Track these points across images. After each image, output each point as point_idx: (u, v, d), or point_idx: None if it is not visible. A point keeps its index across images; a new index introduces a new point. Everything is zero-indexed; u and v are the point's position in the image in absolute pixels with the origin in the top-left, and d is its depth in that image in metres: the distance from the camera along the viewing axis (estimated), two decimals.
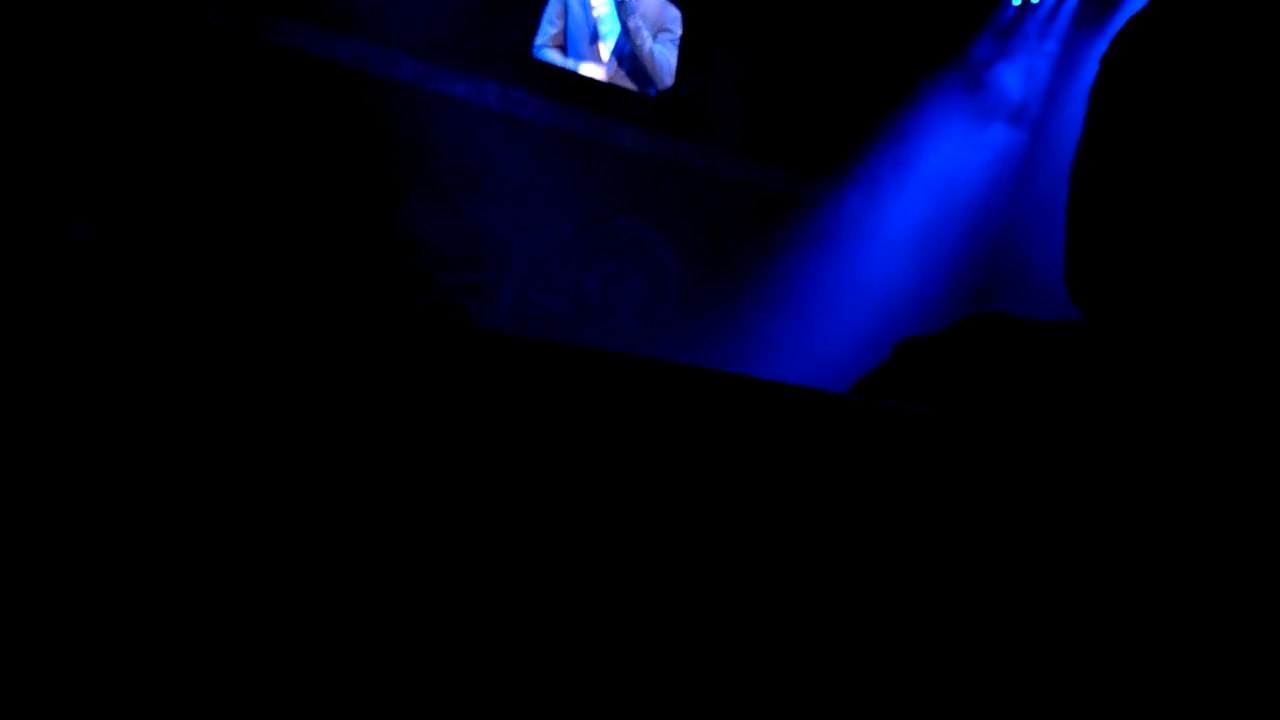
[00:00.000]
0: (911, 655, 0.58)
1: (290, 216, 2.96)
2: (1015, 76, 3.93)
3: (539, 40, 3.43)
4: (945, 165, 4.01)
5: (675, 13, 3.62)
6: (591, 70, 3.52)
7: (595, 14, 3.52)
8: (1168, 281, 0.78)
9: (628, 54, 3.59)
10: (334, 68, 3.05)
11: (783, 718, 0.57)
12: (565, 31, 3.50)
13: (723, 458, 0.63)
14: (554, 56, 3.46)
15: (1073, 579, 0.59)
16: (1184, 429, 0.71)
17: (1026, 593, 0.59)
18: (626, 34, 3.56)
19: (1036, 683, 0.57)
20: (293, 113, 3.01)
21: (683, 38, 3.64)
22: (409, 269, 3.12)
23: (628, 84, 3.57)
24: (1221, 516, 0.61)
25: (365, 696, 0.56)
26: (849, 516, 0.62)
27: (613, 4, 3.53)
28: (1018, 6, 3.82)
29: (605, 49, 3.57)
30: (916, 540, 0.62)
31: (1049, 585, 0.59)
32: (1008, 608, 0.59)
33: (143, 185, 2.83)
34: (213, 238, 2.84)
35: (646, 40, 3.58)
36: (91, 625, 0.56)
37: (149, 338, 0.61)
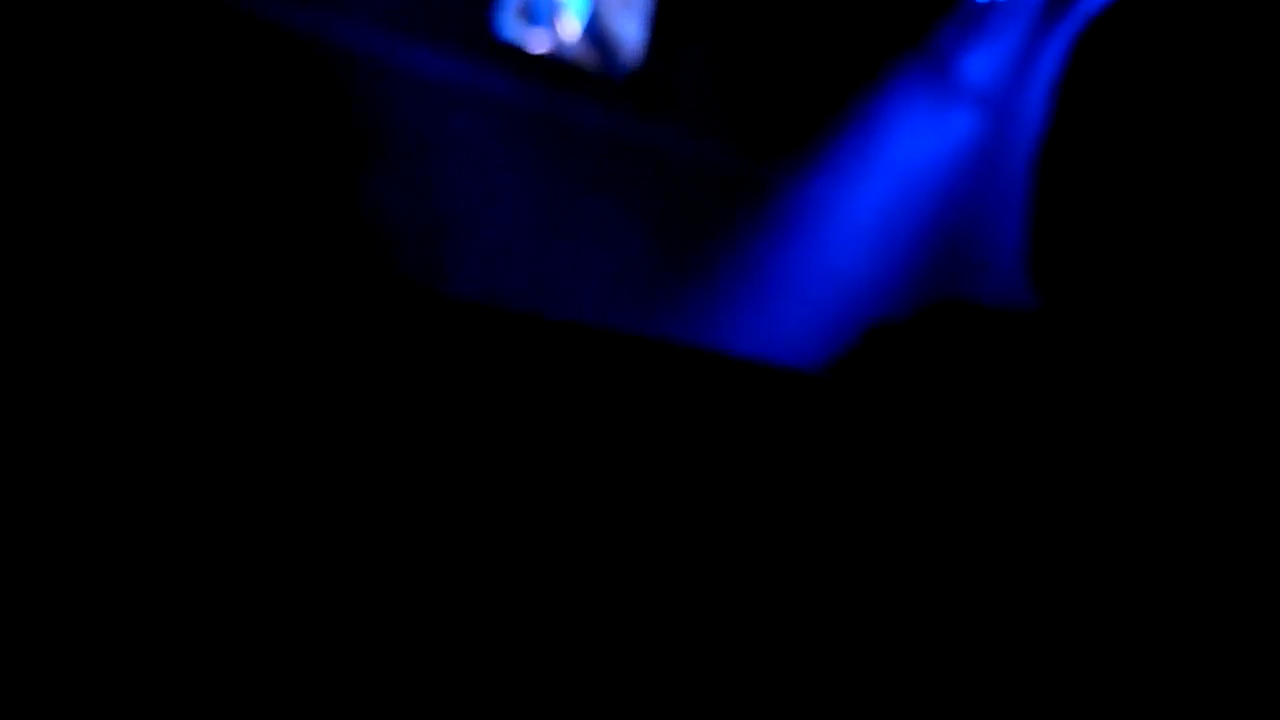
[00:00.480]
0: (883, 642, 0.62)
1: (240, 192, 2.97)
2: (981, 65, 4.00)
3: (501, 12, 3.45)
4: (910, 151, 4.07)
5: None
6: (556, 45, 3.55)
7: None
8: (1126, 270, 0.82)
9: (594, 30, 3.62)
10: (288, 37, 3.06)
11: (759, 698, 0.61)
12: (529, 4, 3.52)
13: (693, 434, 0.67)
14: (518, 29, 3.48)
15: (1039, 567, 0.63)
16: (1140, 417, 0.75)
17: (998, 578, 0.63)
18: (592, 9, 3.59)
19: (1023, 671, 0.61)
20: (243, 83, 3.01)
21: (651, 15, 3.67)
22: (365, 248, 3.15)
23: (594, 60, 3.60)
24: (1185, 505, 0.65)
25: (336, 667, 0.59)
26: (819, 496, 0.66)
27: None
28: None
29: (571, 24, 3.59)
30: (886, 525, 0.66)
31: (1019, 571, 0.63)
32: (977, 595, 0.63)
33: (86, 155, 2.82)
34: (159, 215, 2.85)
35: (613, 16, 3.61)
36: (63, 579, 0.59)
37: (92, 310, 0.64)
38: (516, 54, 3.44)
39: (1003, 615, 0.64)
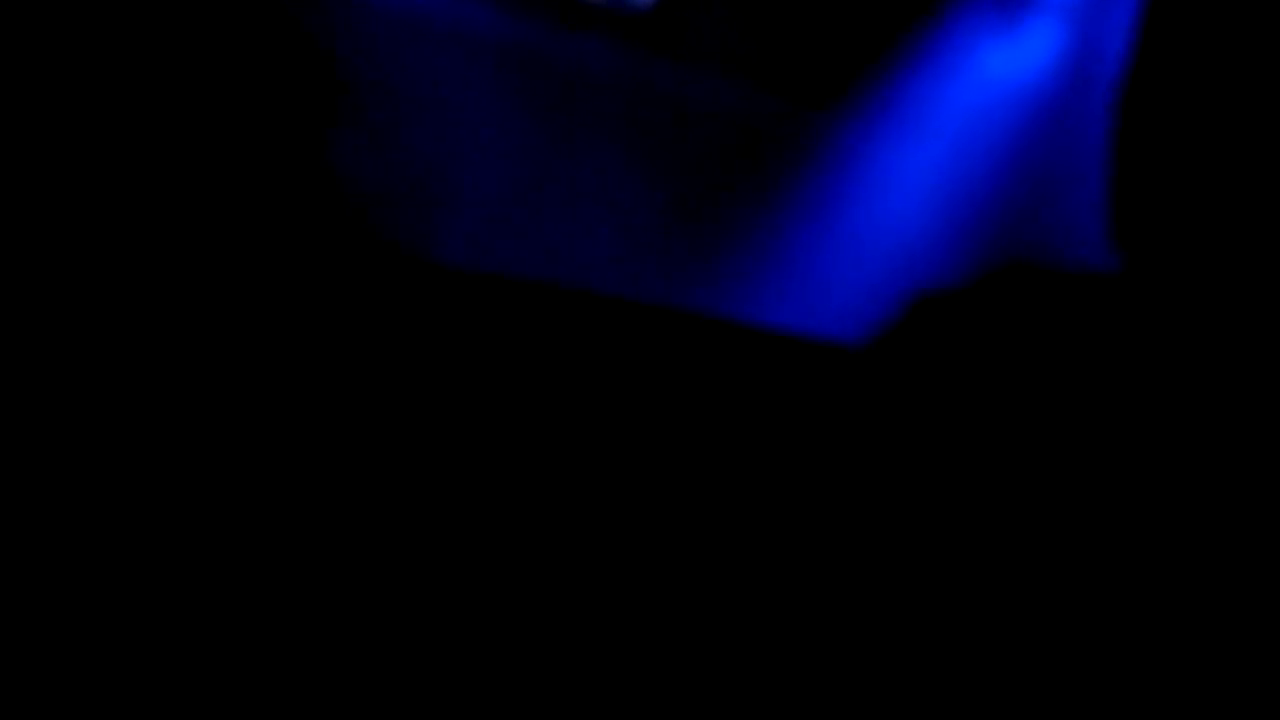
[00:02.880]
0: (929, 628, 0.64)
1: (192, 147, 2.99)
2: None
3: None
4: (972, 91, 4.07)
5: None
6: None
7: None
8: (1228, 227, 0.81)
9: None
10: None
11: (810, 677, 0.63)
12: None
13: (717, 418, 0.69)
14: None
15: (1107, 559, 0.65)
16: (1238, 403, 0.75)
17: (1052, 570, 0.65)
18: None
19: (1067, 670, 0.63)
20: (195, 24, 3.03)
21: None
22: (337, 212, 3.17)
23: None
24: (1272, 491, 0.67)
25: (340, 636, 0.62)
26: (854, 488, 0.68)
27: None
28: None
29: None
30: (933, 520, 0.67)
31: (1078, 563, 0.65)
32: (1028, 584, 0.65)
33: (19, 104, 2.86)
34: (100, 173, 2.87)
35: None
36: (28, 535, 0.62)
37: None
38: None
39: (1064, 606, 0.66)
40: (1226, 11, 0.86)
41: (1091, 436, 0.71)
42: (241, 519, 0.67)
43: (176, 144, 3.02)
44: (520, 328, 0.68)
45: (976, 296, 0.93)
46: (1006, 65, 4.19)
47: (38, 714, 0.61)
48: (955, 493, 0.67)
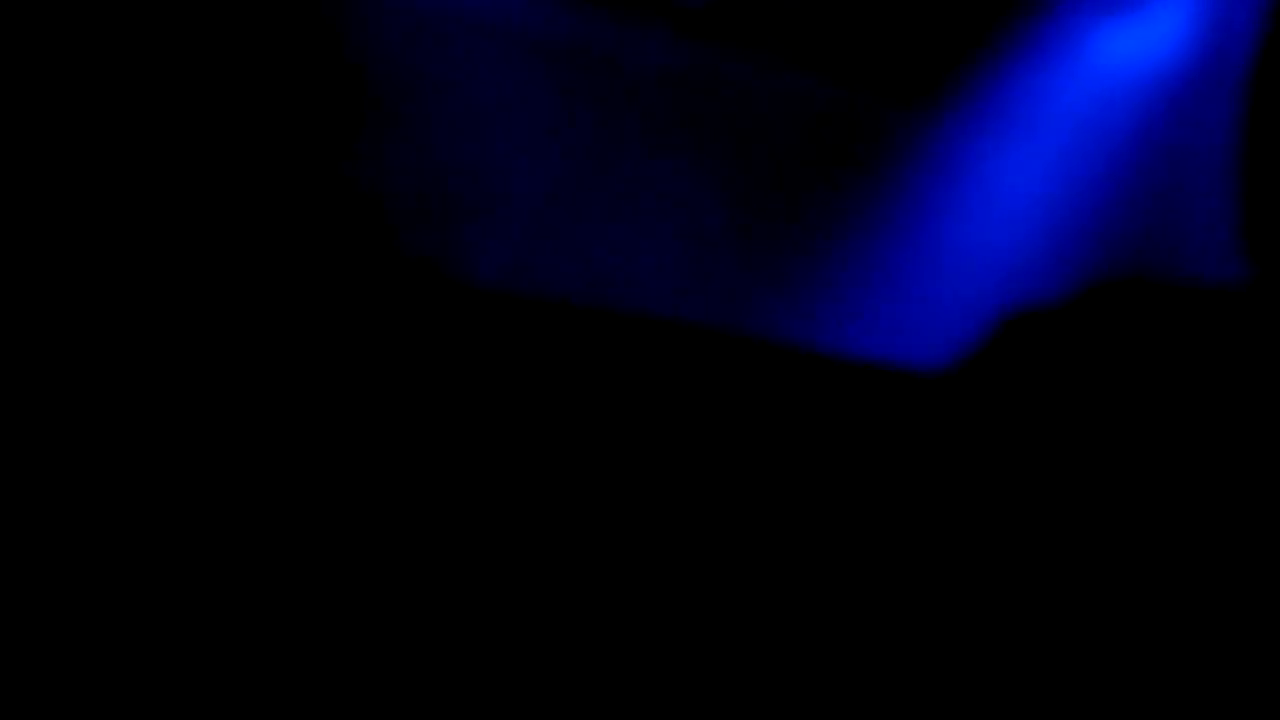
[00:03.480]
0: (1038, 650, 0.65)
1: (215, 157, 3.04)
2: None
3: None
4: (1083, 87, 4.07)
5: None
6: None
7: None
8: None
9: None
10: None
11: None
12: None
13: (790, 450, 0.70)
14: None
15: (1232, 599, 0.66)
16: None
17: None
18: None
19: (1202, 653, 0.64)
20: (220, 27, 3.09)
21: None
22: (366, 227, 3.20)
23: None
24: None
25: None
26: (941, 527, 0.69)
27: None
28: None
29: None
30: (1031, 561, 0.69)
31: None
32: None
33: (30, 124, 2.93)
34: (125, 188, 2.93)
35: None
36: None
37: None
38: None
39: (1189, 632, 0.67)
40: None
41: (1213, 471, 0.70)
42: (266, 544, 0.70)
43: (197, 150, 3.08)
44: (565, 354, 0.69)
45: (1081, 313, 0.93)
46: (1122, 56, 4.18)
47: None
48: (1057, 531, 0.67)
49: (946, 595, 0.66)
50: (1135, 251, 4.00)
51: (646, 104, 3.64)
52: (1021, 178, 4.00)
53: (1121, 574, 0.66)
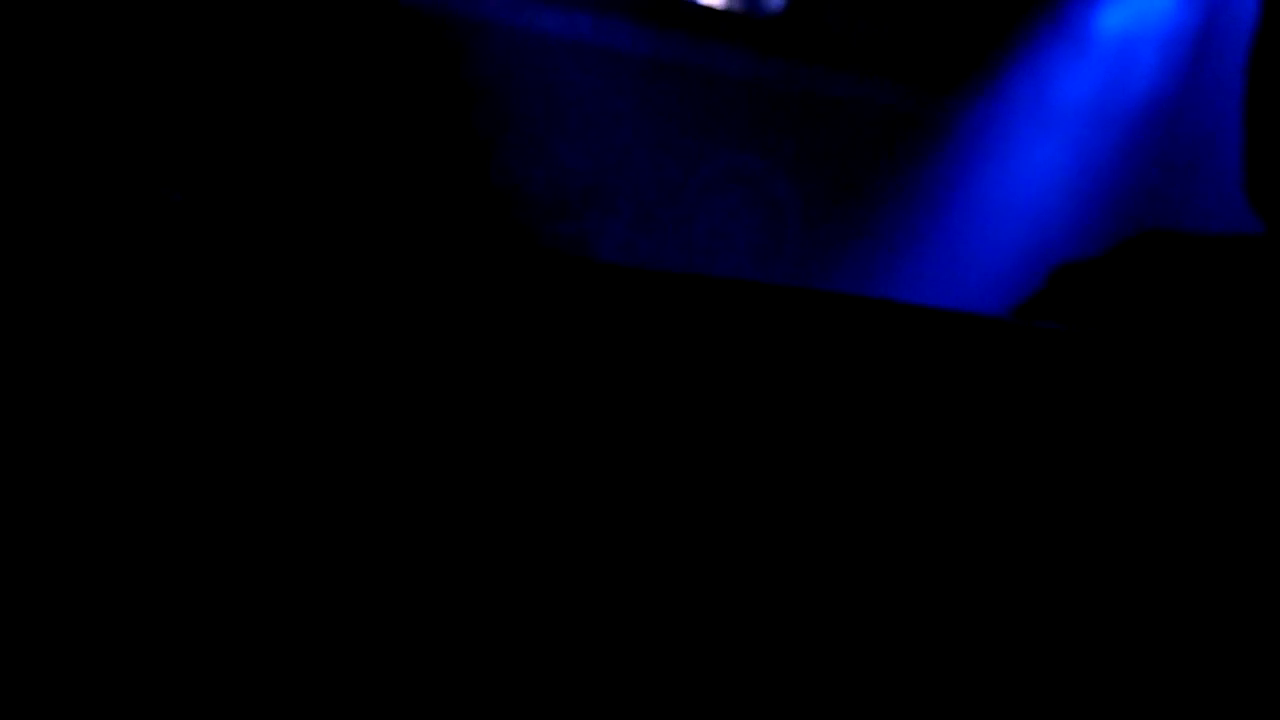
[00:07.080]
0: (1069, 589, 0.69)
1: (376, 177, 3.26)
2: None
3: None
4: (1105, 66, 4.07)
5: None
6: None
7: None
8: None
9: None
10: (412, 13, 3.34)
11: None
12: None
13: (870, 390, 0.77)
14: None
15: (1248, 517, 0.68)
16: None
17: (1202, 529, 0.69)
18: None
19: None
20: (371, 65, 3.30)
21: None
22: (507, 223, 3.40)
23: (735, 3, 3.79)
24: None
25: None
26: (1008, 445, 0.76)
27: None
28: None
29: None
30: (1084, 471, 0.75)
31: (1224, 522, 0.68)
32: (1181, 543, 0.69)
33: (221, 145, 3.13)
34: (296, 198, 3.14)
35: None
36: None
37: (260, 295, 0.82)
38: (651, 3, 3.66)
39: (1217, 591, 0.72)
40: None
41: (1239, 403, 0.78)
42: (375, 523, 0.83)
43: (359, 160, 3.28)
44: (672, 316, 0.80)
45: (1116, 262, 1.01)
46: (1136, 24, 4.22)
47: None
48: (1115, 457, 0.76)
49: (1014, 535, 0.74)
50: (1149, 214, 4.05)
51: (730, 108, 3.79)
52: (1050, 148, 4.08)
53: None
